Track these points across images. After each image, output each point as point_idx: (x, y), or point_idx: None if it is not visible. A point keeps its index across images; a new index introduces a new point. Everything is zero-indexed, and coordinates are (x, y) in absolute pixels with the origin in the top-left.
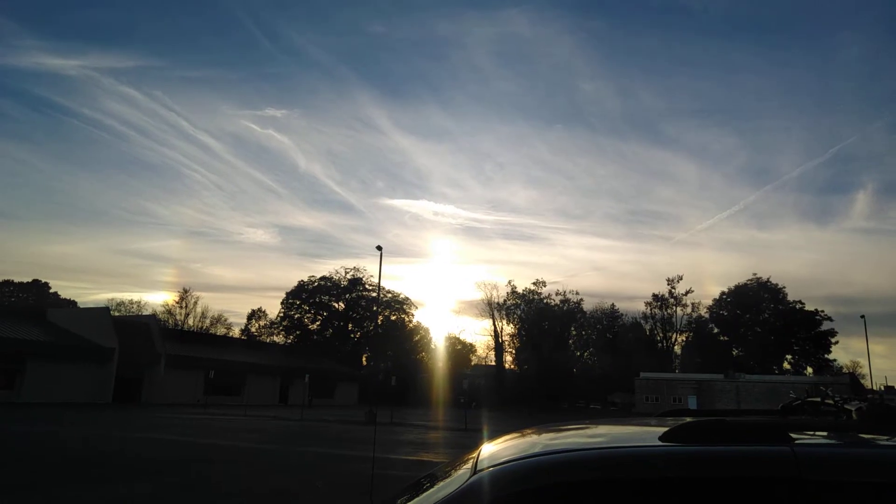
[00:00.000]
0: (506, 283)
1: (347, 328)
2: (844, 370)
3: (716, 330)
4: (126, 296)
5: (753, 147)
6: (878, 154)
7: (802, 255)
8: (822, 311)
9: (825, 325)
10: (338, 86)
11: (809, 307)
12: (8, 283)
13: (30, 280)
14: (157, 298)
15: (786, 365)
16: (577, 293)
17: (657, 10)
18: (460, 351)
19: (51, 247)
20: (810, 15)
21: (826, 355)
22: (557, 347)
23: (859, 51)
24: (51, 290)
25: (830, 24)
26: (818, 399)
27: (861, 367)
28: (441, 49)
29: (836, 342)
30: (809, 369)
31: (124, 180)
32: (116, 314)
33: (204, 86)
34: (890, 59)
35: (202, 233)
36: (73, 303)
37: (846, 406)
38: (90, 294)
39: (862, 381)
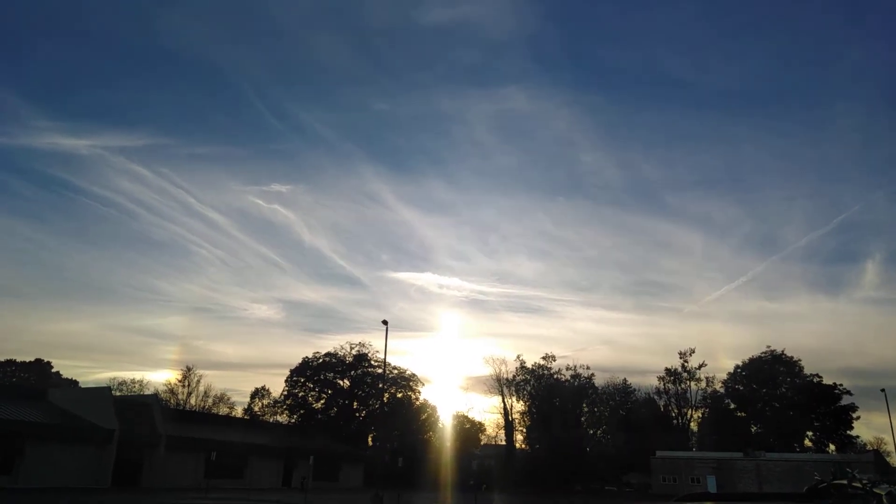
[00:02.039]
0: (514, 357)
1: (352, 406)
2: (868, 447)
3: (732, 405)
4: (128, 374)
5: (757, 217)
6: (882, 223)
7: (814, 326)
8: (841, 385)
9: (845, 400)
10: (343, 161)
11: (827, 380)
12: (11, 362)
13: (32, 359)
14: (159, 377)
15: (807, 442)
16: (588, 368)
17: (653, 85)
18: (469, 430)
19: (55, 325)
20: (804, 87)
21: (848, 431)
22: (569, 425)
23: (856, 120)
24: (53, 370)
25: (825, 95)
26: (844, 481)
27: (885, 444)
28: (443, 125)
29: (858, 417)
30: (832, 446)
31: (131, 257)
32: (118, 394)
33: (212, 162)
34: (886, 127)
35: (207, 309)
36: (75, 382)
37: (875, 489)
38: (92, 373)
39: (887, 459)
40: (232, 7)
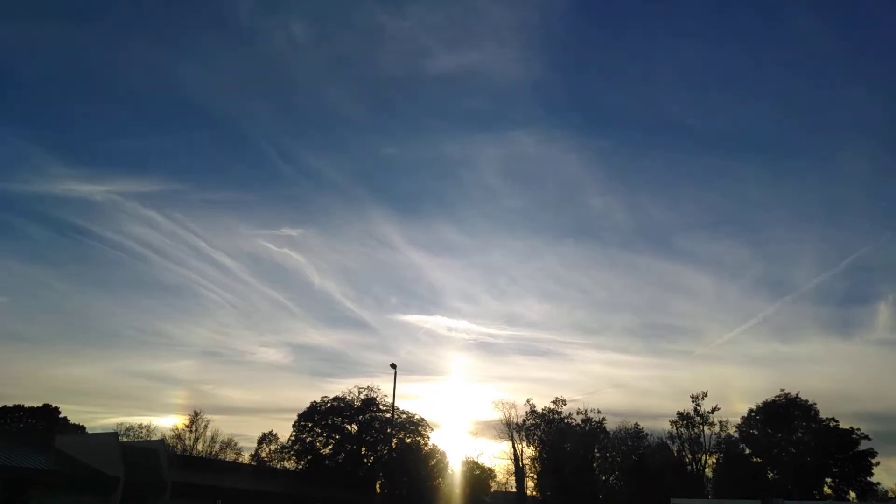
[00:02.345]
0: (524, 401)
1: (360, 452)
2: (890, 494)
3: (747, 451)
4: (136, 419)
5: (767, 259)
6: (893, 264)
7: (829, 369)
8: (858, 430)
9: (863, 445)
10: (353, 205)
11: (844, 425)
12: (19, 408)
13: (40, 405)
14: (167, 422)
15: (826, 489)
16: (599, 412)
17: (659, 130)
18: (478, 476)
19: (64, 369)
20: (808, 129)
21: (868, 478)
22: (581, 471)
23: (861, 162)
24: (60, 415)
25: (830, 137)
26: None
27: None
28: (452, 169)
29: (878, 463)
30: (852, 493)
31: (141, 301)
32: (125, 439)
33: (223, 207)
34: (891, 169)
35: (215, 353)
36: (83, 428)
37: None
38: (100, 418)
39: None
40: (248, 59)
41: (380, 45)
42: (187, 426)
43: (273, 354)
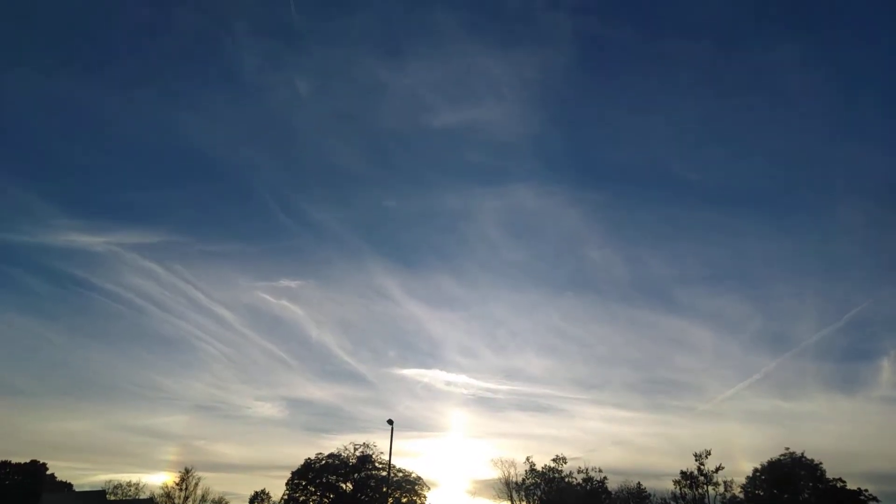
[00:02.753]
0: (524, 459)
1: None
2: None
3: None
4: (125, 477)
5: (767, 313)
6: (894, 319)
7: (833, 427)
8: (866, 491)
9: None
10: (352, 256)
11: (851, 485)
12: (6, 464)
13: (28, 461)
14: (157, 479)
15: None
16: (600, 470)
17: (656, 184)
18: None
19: (54, 423)
20: (805, 184)
21: None
22: None
23: (858, 216)
24: (48, 471)
25: (826, 192)
26: None
27: None
28: (451, 221)
29: None
30: None
31: (137, 353)
32: (113, 498)
33: (223, 259)
34: (888, 223)
35: (210, 407)
36: (70, 486)
37: None
38: (89, 475)
39: None
40: (253, 114)
41: (382, 100)
42: (177, 484)
43: (268, 409)
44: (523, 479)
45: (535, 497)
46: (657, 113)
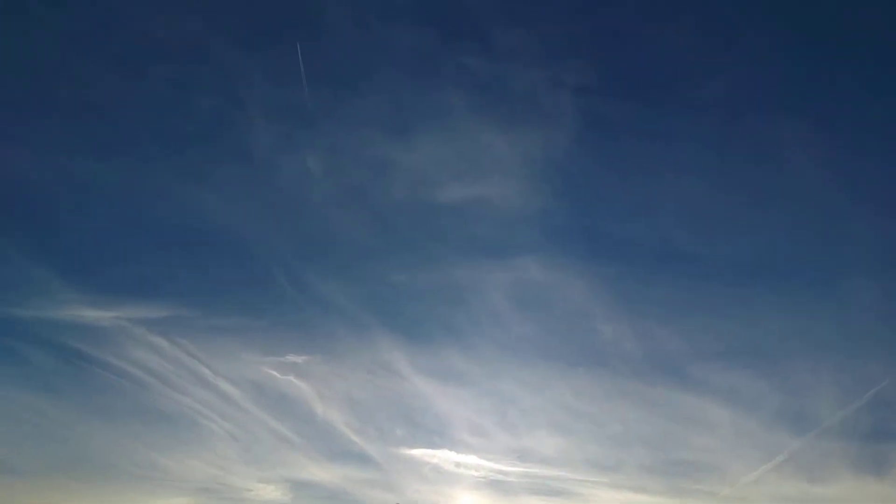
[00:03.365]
0: None
1: None
2: None
3: None
4: None
5: (785, 391)
6: None
7: None
8: None
9: None
10: (359, 331)
11: None
12: None
13: None
14: None
15: None
16: None
17: (664, 257)
18: None
19: None
20: (815, 259)
21: None
22: None
23: (871, 292)
24: None
25: (837, 266)
26: None
27: None
28: (459, 295)
29: None
30: None
31: (139, 431)
32: None
33: (229, 334)
34: None
35: (211, 489)
36: None
37: None
38: None
39: None
40: (264, 190)
41: (390, 176)
42: None
43: (271, 492)
44: None
45: None
46: (662, 186)
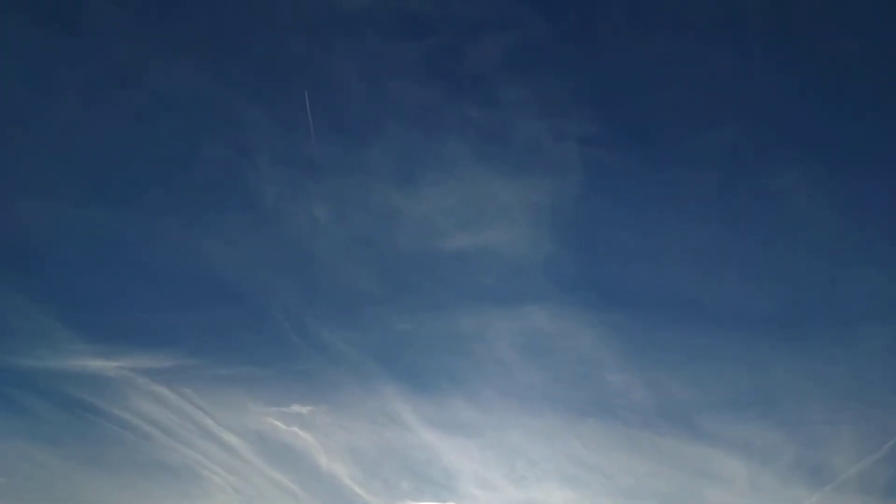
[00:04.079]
0: None
1: None
2: None
3: None
4: None
5: (800, 443)
6: None
7: None
8: None
9: None
10: (364, 380)
11: None
12: None
13: None
14: None
15: None
16: None
17: (671, 305)
18: None
19: None
20: (824, 307)
21: None
22: None
23: (883, 341)
24: None
25: (847, 315)
26: None
27: None
28: (466, 343)
29: None
30: None
31: (139, 483)
32: None
33: (234, 384)
34: None
35: None
36: None
37: None
38: None
39: None
40: (271, 238)
41: (396, 225)
42: None
43: None
44: None
45: None
46: (667, 236)
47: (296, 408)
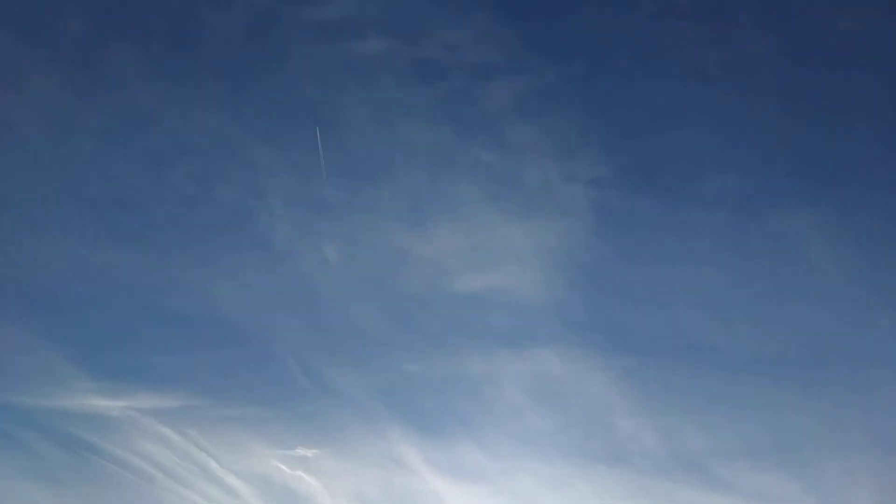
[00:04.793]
0: None
1: None
2: None
3: None
4: None
5: (818, 492)
6: None
7: None
8: None
9: None
10: (371, 423)
11: None
12: None
13: None
14: None
15: None
16: None
17: (683, 350)
18: None
19: None
20: (839, 353)
21: None
22: None
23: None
24: None
25: (863, 360)
26: None
27: None
28: (475, 386)
29: None
30: None
31: None
32: None
33: (239, 425)
34: None
35: None
36: None
37: None
38: None
39: None
40: (281, 279)
41: (406, 265)
42: None
43: None
44: None
45: None
46: (679, 278)
47: (301, 450)
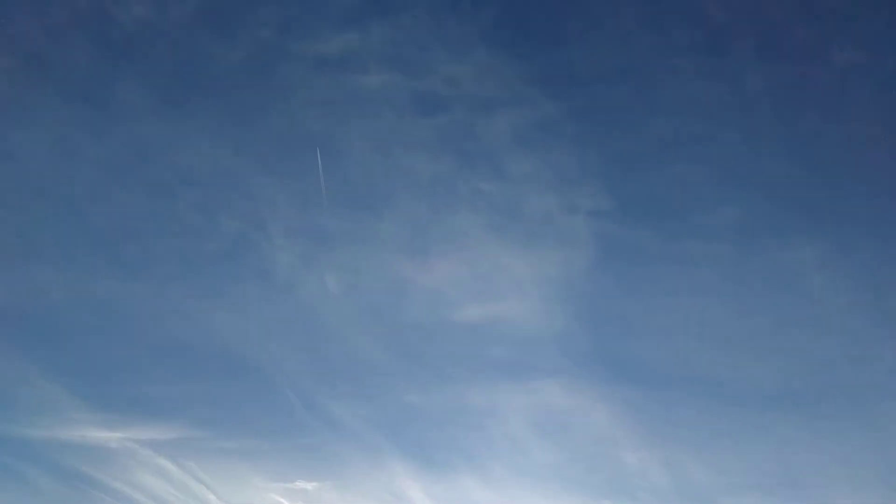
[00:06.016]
0: None
1: None
2: None
3: None
4: None
5: None
6: None
7: None
8: None
9: None
10: (372, 455)
11: None
12: None
13: None
14: None
15: None
16: None
17: (687, 383)
18: None
19: None
20: (845, 385)
21: None
22: None
23: None
24: None
25: (869, 392)
26: None
27: None
28: (476, 418)
29: None
30: None
31: None
32: None
33: (238, 457)
34: None
35: None
36: None
37: None
38: None
39: None
40: (283, 309)
41: (407, 296)
42: None
43: None
44: None
45: None
46: (681, 309)
47: (301, 483)
